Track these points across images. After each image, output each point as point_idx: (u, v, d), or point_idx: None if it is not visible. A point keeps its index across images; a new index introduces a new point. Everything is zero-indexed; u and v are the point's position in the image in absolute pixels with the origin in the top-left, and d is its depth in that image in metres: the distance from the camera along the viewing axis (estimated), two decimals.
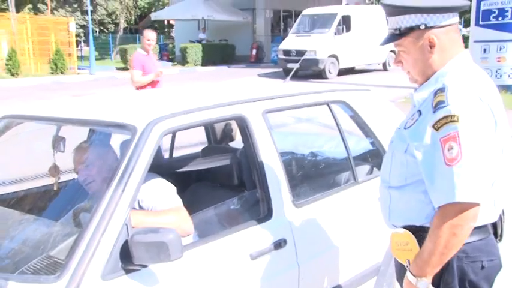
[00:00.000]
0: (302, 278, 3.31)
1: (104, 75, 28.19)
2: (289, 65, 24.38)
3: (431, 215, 2.39)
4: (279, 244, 3.18)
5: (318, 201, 3.61)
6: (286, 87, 4.11)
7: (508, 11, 16.81)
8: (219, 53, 34.54)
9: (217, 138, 4.79)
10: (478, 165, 2.23)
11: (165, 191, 3.25)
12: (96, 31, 51.13)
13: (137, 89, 8.82)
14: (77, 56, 32.82)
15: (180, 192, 3.35)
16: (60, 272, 2.39)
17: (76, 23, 33.83)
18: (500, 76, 16.73)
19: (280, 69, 26.21)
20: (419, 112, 2.45)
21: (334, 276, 3.59)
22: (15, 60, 25.95)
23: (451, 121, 2.24)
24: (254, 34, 37.90)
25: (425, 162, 2.34)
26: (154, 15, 42.00)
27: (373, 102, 4.36)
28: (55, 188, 3.81)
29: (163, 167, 3.56)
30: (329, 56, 25.36)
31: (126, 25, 54.61)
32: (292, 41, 26.33)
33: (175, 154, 4.90)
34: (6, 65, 26.03)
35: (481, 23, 17.26)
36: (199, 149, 4.64)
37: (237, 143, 4.48)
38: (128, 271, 2.55)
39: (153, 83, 8.94)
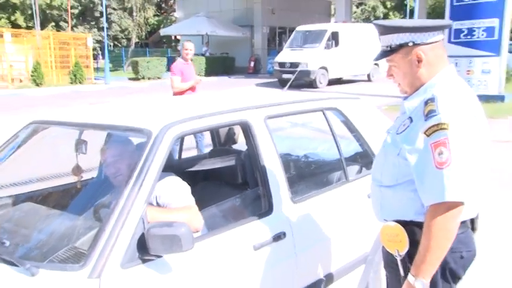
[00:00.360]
0: (299, 266, 3.31)
1: (118, 85, 28.20)
2: (284, 76, 24.51)
3: (419, 211, 2.45)
4: (278, 236, 3.19)
5: (314, 198, 3.61)
6: (285, 96, 4.11)
7: (475, 31, 17.32)
8: (221, 64, 34.58)
9: (222, 141, 4.79)
10: (465, 168, 2.27)
11: (180, 190, 3.24)
12: (110, 45, 51.13)
13: (175, 94, 8.82)
14: (94, 68, 32.80)
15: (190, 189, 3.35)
16: (84, 262, 2.40)
17: (93, 39, 33.85)
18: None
19: (276, 80, 26.29)
20: (411, 119, 2.47)
21: (328, 265, 3.59)
22: (40, 71, 26.17)
23: (442, 128, 2.28)
24: (252, 48, 37.97)
25: (416, 165, 2.37)
26: (163, 31, 42.11)
27: (363, 109, 4.37)
28: (78, 186, 3.81)
29: (174, 167, 3.56)
30: (319, 68, 25.44)
31: (137, 40, 54.58)
32: (286, 54, 26.41)
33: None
34: (32, 76, 26.31)
35: (452, 40, 17.70)
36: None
37: (239, 145, 4.48)
38: (144, 261, 2.54)
39: (190, 89, 8.94)
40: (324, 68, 25.76)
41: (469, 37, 17.40)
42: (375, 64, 28.84)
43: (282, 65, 25.98)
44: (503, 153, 10.28)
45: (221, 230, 3.02)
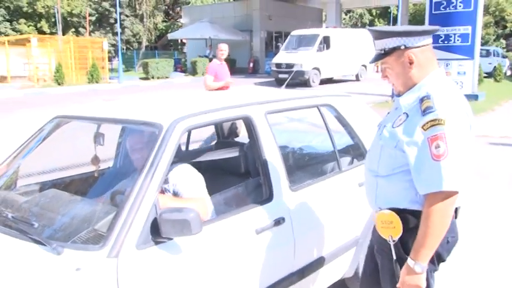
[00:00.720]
0: (297, 249, 3.29)
1: (130, 84, 28.16)
2: (280, 76, 24.51)
3: (412, 200, 2.46)
4: (278, 221, 3.16)
5: (310, 186, 3.58)
6: (283, 93, 4.08)
7: (451, 37, 17.60)
8: None
9: (225, 135, 4.77)
10: (459, 160, 2.29)
11: (194, 182, 3.24)
12: (123, 48, 50.88)
13: None
14: (109, 69, 32.81)
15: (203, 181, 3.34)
16: (103, 242, 2.38)
17: (108, 42, 33.72)
18: None
19: (273, 79, 26.29)
20: (406, 114, 2.46)
21: (323, 247, 3.57)
22: (61, 72, 26.42)
23: (438, 124, 2.29)
24: (251, 50, 37.95)
25: (413, 157, 2.37)
26: (170, 35, 42.14)
27: (354, 105, 4.34)
28: (96, 175, 3.79)
29: (182, 157, 3.53)
30: (312, 69, 25.46)
31: (147, 43, 54.44)
32: (282, 56, 26.42)
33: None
34: (54, 76, 26.68)
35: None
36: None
37: (241, 138, 4.46)
38: (156, 242, 2.53)
39: (222, 89, 8.72)
40: (317, 68, 25.78)
41: (446, 42, 17.67)
42: (363, 65, 28.90)
43: (278, 65, 26.02)
44: (477, 147, 10.28)
45: (226, 216, 3.00)
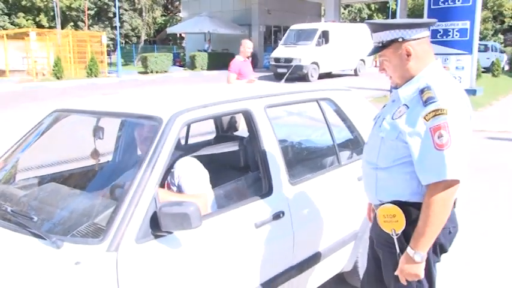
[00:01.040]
0: (297, 242, 3.29)
1: (129, 78, 28.09)
2: (279, 70, 24.48)
3: (414, 192, 2.46)
4: (278, 215, 3.15)
5: (309, 180, 3.57)
6: (283, 87, 4.06)
7: (450, 31, 17.53)
8: (221, 59, 34.33)
9: (224, 129, 4.75)
10: (462, 150, 2.31)
11: (198, 177, 3.24)
12: (122, 42, 50.75)
13: None
14: (107, 63, 32.74)
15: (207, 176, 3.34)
16: (102, 236, 2.37)
17: (107, 36, 33.68)
18: None
19: (271, 73, 26.23)
20: (406, 106, 2.46)
21: (322, 241, 3.56)
22: (60, 66, 26.28)
23: (441, 113, 2.30)
24: None
25: (416, 147, 2.37)
26: (169, 29, 41.97)
27: (353, 99, 4.33)
28: (96, 169, 3.78)
29: (182, 151, 3.52)
30: (311, 63, 25.41)
31: (146, 37, 54.25)
32: (281, 51, 26.37)
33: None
34: (53, 70, 26.47)
35: (430, 39, 17.58)
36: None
37: (240, 132, 4.44)
38: (156, 236, 2.51)
39: None
40: (315, 63, 25.73)
41: (444, 37, 17.63)
42: (361, 60, 28.86)
43: (277, 60, 25.98)
44: (475, 142, 10.27)
45: (226, 209, 2.99)
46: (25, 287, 2.21)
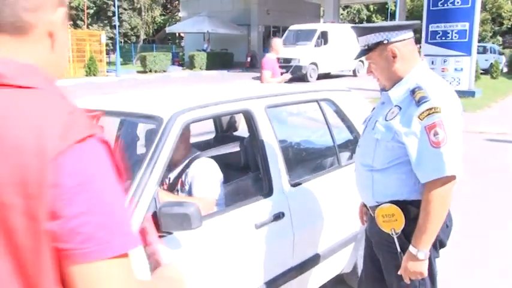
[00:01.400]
0: (296, 243, 3.27)
1: (128, 77, 28.05)
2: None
3: (411, 190, 2.49)
4: (278, 216, 3.14)
5: (310, 181, 3.56)
6: (283, 87, 4.05)
7: (449, 33, 17.64)
8: (220, 59, 34.45)
9: (224, 129, 4.72)
10: (457, 146, 2.36)
11: (209, 181, 3.25)
12: (121, 42, 50.70)
13: None
14: (106, 62, 32.69)
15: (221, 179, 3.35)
16: None
17: (106, 36, 33.64)
18: None
19: None
20: (399, 107, 2.49)
21: (322, 242, 3.55)
22: None
23: (435, 112, 2.33)
24: (249, 45, 37.87)
25: (413, 147, 2.39)
26: (168, 29, 41.95)
27: (354, 100, 4.31)
28: None
29: (200, 151, 3.52)
30: (310, 64, 25.40)
31: (145, 37, 54.27)
32: None
33: None
34: None
35: (429, 41, 18.30)
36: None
37: (239, 132, 4.42)
38: None
39: None
40: (314, 63, 25.73)
41: (443, 38, 17.76)
42: (360, 61, 28.84)
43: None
44: (474, 144, 10.27)
45: (226, 210, 2.98)
46: None
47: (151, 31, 54.74)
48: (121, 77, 27.80)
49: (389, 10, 51.41)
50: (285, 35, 28.05)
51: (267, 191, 3.21)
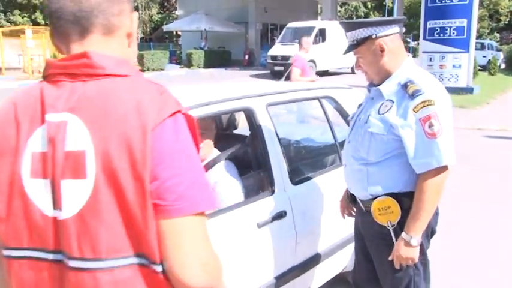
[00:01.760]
0: (298, 242, 3.25)
1: None
2: (276, 68, 24.43)
3: (406, 182, 2.56)
4: (280, 215, 3.12)
5: (311, 180, 3.54)
6: (284, 85, 4.03)
7: (447, 30, 17.70)
8: (218, 57, 34.38)
9: (224, 127, 4.69)
10: (451, 136, 2.44)
11: (228, 188, 3.26)
12: None
13: None
14: None
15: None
16: None
17: None
18: (442, 80, 17.35)
19: (268, 71, 26.20)
20: (391, 101, 2.55)
21: (324, 241, 3.54)
22: None
23: (429, 104, 2.41)
24: (247, 42, 37.79)
25: (409, 139, 2.46)
26: (165, 27, 41.90)
27: (355, 97, 4.28)
28: None
29: (223, 155, 3.51)
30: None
31: (142, 35, 54.27)
32: (278, 49, 26.31)
33: None
34: None
35: (427, 37, 18.43)
36: None
37: (239, 130, 4.40)
38: None
39: None
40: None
41: (441, 35, 17.80)
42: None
43: (274, 58, 25.91)
44: (473, 140, 10.27)
45: (228, 209, 2.94)
46: None
47: (148, 29, 54.76)
48: None
49: (386, 7, 51.39)
50: (282, 32, 28.05)
51: (269, 190, 3.19)
